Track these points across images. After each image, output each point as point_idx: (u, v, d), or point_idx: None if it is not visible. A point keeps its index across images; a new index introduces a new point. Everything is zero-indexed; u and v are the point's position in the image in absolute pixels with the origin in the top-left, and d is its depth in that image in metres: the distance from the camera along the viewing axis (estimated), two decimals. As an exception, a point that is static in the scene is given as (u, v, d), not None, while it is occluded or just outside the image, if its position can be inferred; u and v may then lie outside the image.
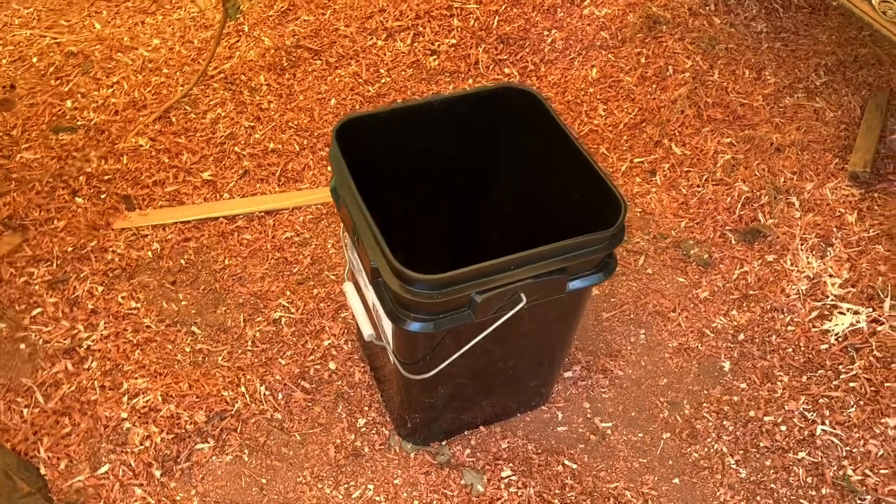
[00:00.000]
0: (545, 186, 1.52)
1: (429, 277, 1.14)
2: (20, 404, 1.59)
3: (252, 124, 2.21)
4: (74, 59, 2.39)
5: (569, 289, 1.29)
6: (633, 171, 2.13)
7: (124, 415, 1.56)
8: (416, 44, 2.42)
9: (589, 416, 1.63)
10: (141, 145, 2.13)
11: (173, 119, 2.21)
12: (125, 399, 1.59)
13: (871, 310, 1.71)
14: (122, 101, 2.25)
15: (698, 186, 2.05)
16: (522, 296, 1.23)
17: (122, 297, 1.78)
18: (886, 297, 1.72)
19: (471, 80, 2.35)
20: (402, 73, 2.36)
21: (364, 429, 1.59)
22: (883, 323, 1.69)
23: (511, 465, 1.54)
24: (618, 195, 1.25)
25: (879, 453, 1.53)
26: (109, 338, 1.70)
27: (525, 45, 2.40)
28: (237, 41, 2.47)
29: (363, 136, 1.39)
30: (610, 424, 1.62)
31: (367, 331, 1.39)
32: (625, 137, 2.20)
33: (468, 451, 1.56)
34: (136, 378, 1.62)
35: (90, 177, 2.03)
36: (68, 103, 2.25)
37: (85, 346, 1.68)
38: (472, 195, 1.65)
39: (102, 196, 1.99)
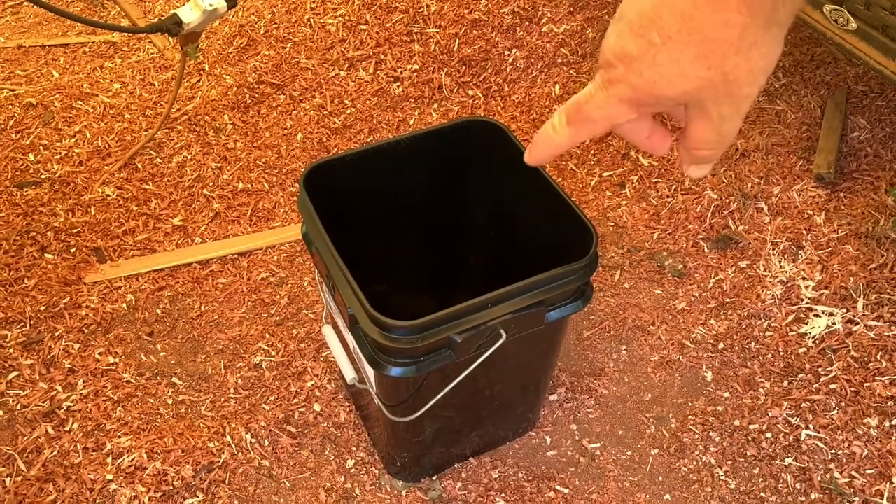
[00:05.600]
0: (516, 215, 1.53)
1: (407, 323, 1.14)
2: (1, 473, 1.56)
3: (219, 165, 2.20)
4: (34, 110, 2.36)
5: (547, 320, 1.29)
6: (603, 184, 2.14)
7: (109, 476, 1.54)
8: (378, 72, 2.42)
9: (577, 437, 1.64)
10: (108, 195, 2.10)
11: (139, 165, 2.19)
12: (109, 460, 1.57)
13: (845, 310, 1.74)
14: (85, 151, 2.23)
15: (668, 197, 2.07)
16: (502, 332, 1.24)
17: (100, 353, 1.76)
18: (859, 297, 1.74)
19: (436, 105, 2.36)
20: (367, 102, 2.36)
21: (353, 470, 1.58)
22: (858, 323, 1.71)
23: (503, 495, 1.54)
24: (588, 224, 1.25)
25: (864, 454, 1.55)
26: (89, 397, 1.67)
27: (487, 65, 2.41)
28: (198, 80, 2.46)
29: (332, 180, 1.38)
30: (598, 445, 1.62)
31: (350, 374, 1.38)
32: (592, 152, 2.21)
33: (459, 484, 1.56)
34: (120, 437, 1.60)
35: (58, 231, 2.00)
36: (31, 157, 2.22)
37: (65, 408, 1.65)
38: (446, 224, 1.65)
39: (72, 250, 1.97)
